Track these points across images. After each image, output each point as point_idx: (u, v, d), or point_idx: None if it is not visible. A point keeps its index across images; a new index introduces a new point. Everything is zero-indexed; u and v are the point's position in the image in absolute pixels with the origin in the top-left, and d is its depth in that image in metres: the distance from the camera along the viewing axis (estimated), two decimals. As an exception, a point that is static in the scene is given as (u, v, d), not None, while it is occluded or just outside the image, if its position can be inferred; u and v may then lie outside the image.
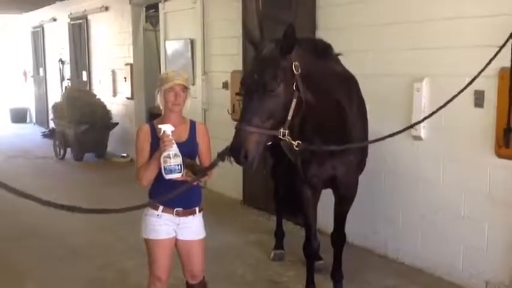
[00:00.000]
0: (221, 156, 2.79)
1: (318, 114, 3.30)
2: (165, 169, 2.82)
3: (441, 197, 4.33)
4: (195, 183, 2.96)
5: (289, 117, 2.96)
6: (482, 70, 3.43)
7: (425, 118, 3.57)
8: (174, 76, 3.04)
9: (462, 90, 3.45)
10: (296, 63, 2.97)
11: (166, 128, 2.85)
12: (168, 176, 2.83)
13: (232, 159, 2.82)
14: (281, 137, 2.96)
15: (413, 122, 4.38)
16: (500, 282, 3.96)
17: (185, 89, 3.04)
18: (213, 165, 2.82)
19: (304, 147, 3.13)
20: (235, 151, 2.80)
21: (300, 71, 2.97)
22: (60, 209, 2.00)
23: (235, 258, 4.92)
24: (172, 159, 2.81)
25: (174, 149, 2.83)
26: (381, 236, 4.90)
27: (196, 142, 3.14)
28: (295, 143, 3.03)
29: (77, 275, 4.62)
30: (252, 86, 2.91)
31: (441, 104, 4.17)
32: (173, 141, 2.84)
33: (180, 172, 2.84)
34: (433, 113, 3.43)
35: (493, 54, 3.52)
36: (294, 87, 2.96)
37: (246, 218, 6.22)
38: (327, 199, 4.02)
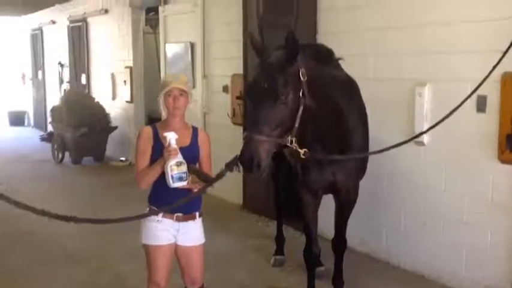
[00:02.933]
0: (229, 166, 2.77)
1: (319, 120, 3.27)
2: (172, 177, 2.83)
3: (443, 202, 4.30)
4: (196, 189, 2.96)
5: (296, 125, 2.95)
6: (487, 77, 3.42)
7: (431, 127, 3.52)
8: (172, 80, 3.04)
9: (468, 98, 3.45)
10: (302, 69, 2.96)
11: (172, 137, 2.85)
12: (175, 185, 2.85)
13: (241, 168, 2.79)
14: (289, 144, 2.95)
15: (415, 127, 4.40)
16: (502, 289, 3.93)
17: (184, 92, 3.01)
18: (220, 175, 2.80)
19: (310, 155, 3.11)
20: (247, 161, 2.78)
21: (306, 77, 2.96)
22: (56, 219, 1.96)
23: (235, 263, 4.88)
24: (178, 167, 2.83)
25: (179, 157, 2.84)
26: (382, 242, 4.86)
27: (198, 147, 3.12)
28: (302, 151, 3.01)
29: (72, 279, 4.58)
30: (260, 94, 2.87)
31: (443, 109, 4.16)
32: (178, 150, 2.85)
33: (186, 180, 2.86)
34: (439, 122, 3.42)
35: (495, 59, 3.50)
36: (301, 94, 2.94)
37: (245, 223, 6.18)
38: (327, 204, 3.98)
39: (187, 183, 2.88)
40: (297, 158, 3.22)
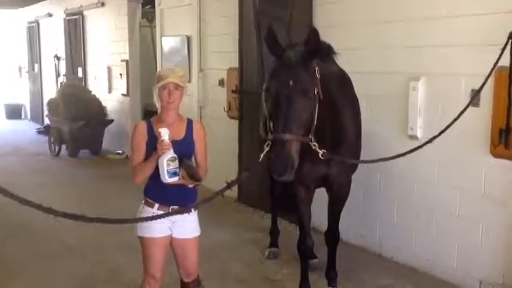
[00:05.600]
0: (250, 169, 2.77)
1: (319, 116, 3.29)
2: (168, 172, 2.86)
3: (436, 196, 4.33)
4: (191, 185, 3.00)
5: (315, 122, 2.98)
6: (489, 76, 3.48)
7: (445, 129, 3.55)
8: (168, 74, 3.04)
9: (476, 95, 3.53)
10: (317, 67, 3.00)
11: (165, 132, 2.88)
12: (169, 180, 2.88)
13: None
14: (310, 143, 2.98)
15: (409, 121, 4.42)
16: (494, 281, 3.97)
17: (179, 86, 3.02)
18: (238, 179, 2.79)
19: (329, 157, 3.14)
20: (283, 163, 2.75)
21: (319, 75, 3.00)
22: (63, 217, 1.97)
23: (230, 256, 4.91)
24: (173, 162, 2.87)
25: (172, 153, 2.87)
26: (375, 235, 4.90)
27: (193, 141, 3.13)
28: (320, 152, 3.04)
29: (69, 272, 4.59)
30: (287, 92, 2.87)
31: (437, 103, 4.22)
32: (171, 145, 2.87)
33: (179, 175, 2.90)
34: (452, 122, 3.49)
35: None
36: (316, 92, 2.98)
37: (240, 216, 6.21)
38: (321, 198, 4.01)
39: (179, 178, 2.91)
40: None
